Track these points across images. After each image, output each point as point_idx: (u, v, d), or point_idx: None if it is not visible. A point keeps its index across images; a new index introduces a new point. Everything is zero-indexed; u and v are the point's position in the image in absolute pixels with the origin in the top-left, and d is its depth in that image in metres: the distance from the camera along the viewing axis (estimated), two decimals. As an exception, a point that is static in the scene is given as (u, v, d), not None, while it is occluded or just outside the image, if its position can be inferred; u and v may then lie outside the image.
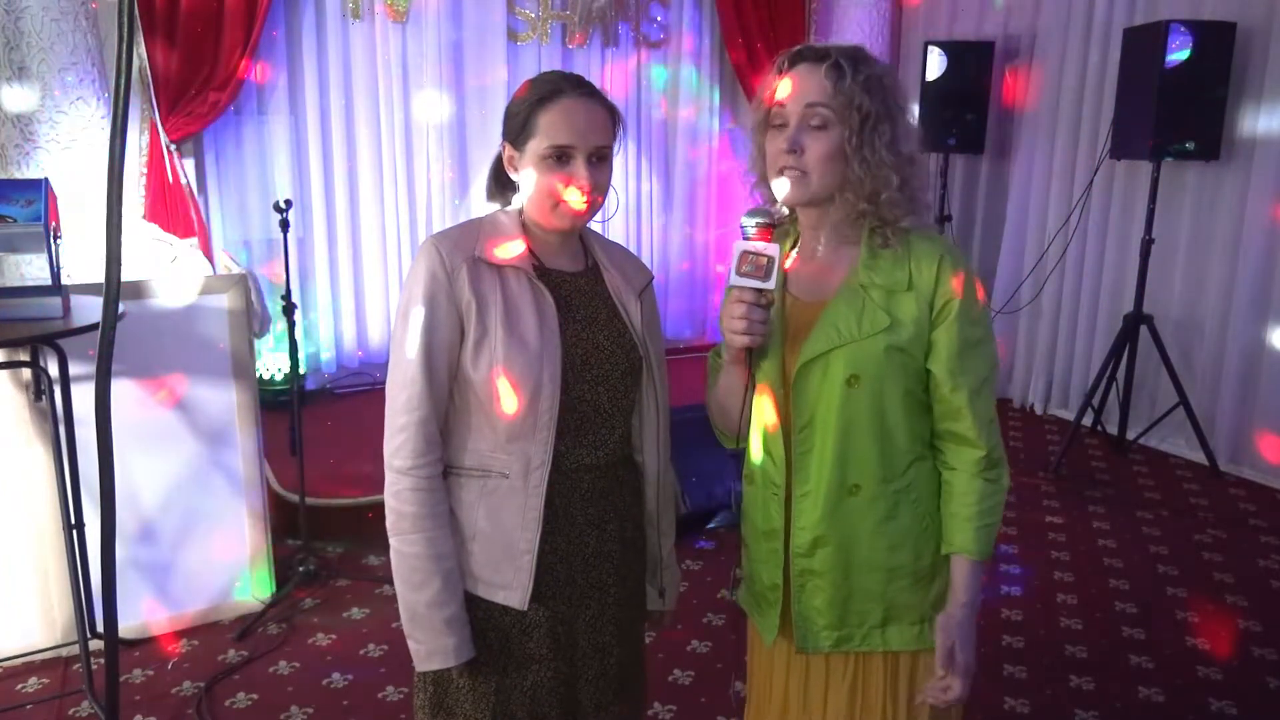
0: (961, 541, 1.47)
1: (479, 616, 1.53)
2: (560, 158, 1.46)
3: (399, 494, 1.49)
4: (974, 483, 1.47)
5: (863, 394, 1.43)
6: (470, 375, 1.47)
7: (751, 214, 1.42)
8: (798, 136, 1.43)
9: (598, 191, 1.49)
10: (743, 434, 1.57)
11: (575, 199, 1.47)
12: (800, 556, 1.50)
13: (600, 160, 1.48)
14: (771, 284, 1.38)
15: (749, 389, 1.49)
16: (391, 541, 1.51)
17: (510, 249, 1.50)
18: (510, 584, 1.52)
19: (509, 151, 1.51)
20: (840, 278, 1.48)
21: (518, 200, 1.55)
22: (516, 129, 1.49)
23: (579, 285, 1.56)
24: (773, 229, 1.41)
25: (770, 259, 1.37)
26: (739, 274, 1.38)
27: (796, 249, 1.55)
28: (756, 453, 1.55)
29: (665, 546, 1.71)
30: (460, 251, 1.47)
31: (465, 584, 1.53)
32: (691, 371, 1.69)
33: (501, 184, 1.59)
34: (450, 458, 1.53)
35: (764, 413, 1.52)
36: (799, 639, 1.53)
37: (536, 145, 1.46)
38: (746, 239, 1.40)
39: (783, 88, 1.44)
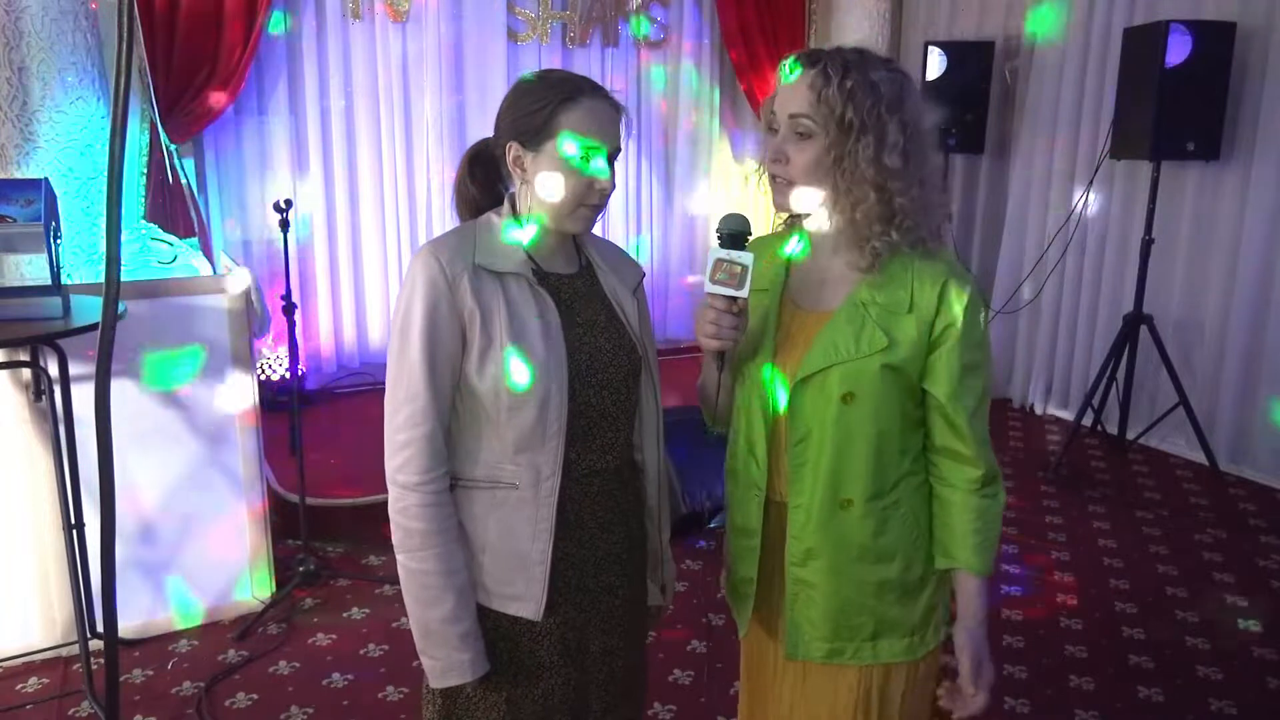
0: (965, 558, 1.49)
1: (488, 627, 1.50)
2: (586, 159, 1.44)
3: (406, 510, 1.44)
4: (972, 499, 1.47)
5: (858, 411, 1.43)
6: (476, 386, 1.44)
7: (725, 221, 1.42)
8: (782, 145, 1.43)
9: (611, 192, 1.50)
10: (716, 424, 1.61)
11: (599, 200, 1.46)
12: (794, 566, 1.51)
13: (610, 164, 1.48)
14: (744, 292, 1.39)
15: (719, 389, 1.53)
16: (399, 558, 1.47)
17: (510, 255, 1.47)
18: (523, 595, 1.49)
19: (516, 151, 1.46)
20: (841, 291, 1.47)
21: (507, 202, 1.53)
22: (533, 128, 1.44)
23: (577, 288, 1.55)
24: (746, 238, 1.41)
25: (744, 267, 1.38)
26: (713, 281, 1.40)
27: (803, 254, 1.54)
28: (740, 453, 1.56)
29: (664, 540, 1.71)
30: (460, 260, 1.43)
31: (476, 596, 1.50)
32: (691, 372, 1.69)
33: (480, 189, 1.56)
34: (457, 470, 1.49)
35: (751, 416, 1.52)
36: (790, 646, 1.54)
37: (561, 145, 1.43)
38: (721, 246, 1.41)
39: (778, 93, 1.45)
